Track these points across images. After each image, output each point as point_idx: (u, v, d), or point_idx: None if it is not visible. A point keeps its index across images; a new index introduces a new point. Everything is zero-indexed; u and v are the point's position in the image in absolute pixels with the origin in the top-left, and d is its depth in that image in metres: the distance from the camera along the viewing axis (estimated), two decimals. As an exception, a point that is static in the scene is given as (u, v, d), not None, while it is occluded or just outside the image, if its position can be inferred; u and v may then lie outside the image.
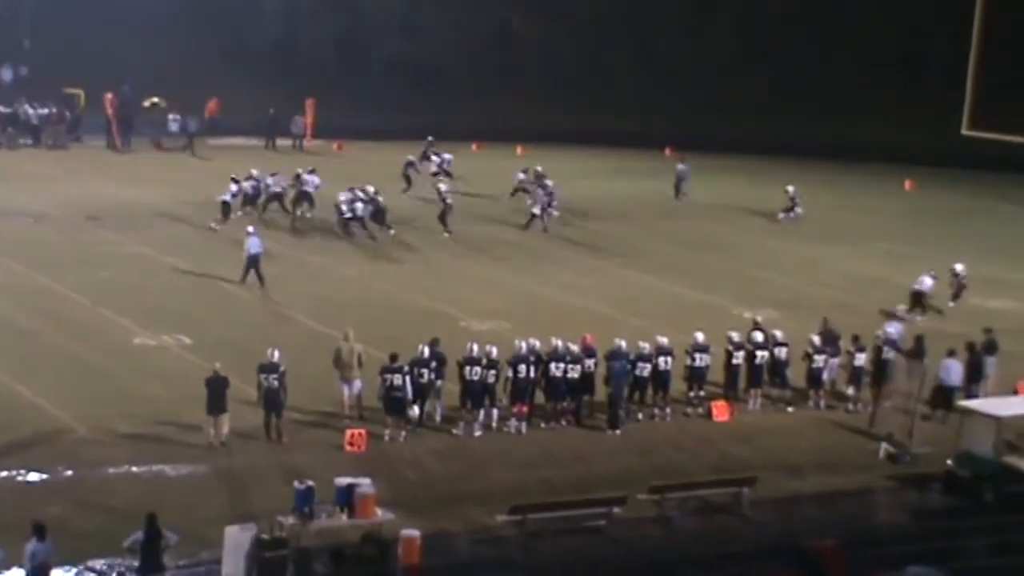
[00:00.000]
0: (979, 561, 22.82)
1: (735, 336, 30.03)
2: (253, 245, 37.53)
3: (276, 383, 26.06)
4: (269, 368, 26.18)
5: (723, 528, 24.15)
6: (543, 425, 28.07)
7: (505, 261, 42.93)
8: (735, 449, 27.69)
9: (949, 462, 26.14)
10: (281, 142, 63.33)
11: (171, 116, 63.06)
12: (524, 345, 28.03)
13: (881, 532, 24.49)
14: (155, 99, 64.82)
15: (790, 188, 51.90)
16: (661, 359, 28.80)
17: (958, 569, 20.82)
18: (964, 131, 59.49)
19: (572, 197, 51.79)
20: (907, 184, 61.31)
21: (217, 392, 25.70)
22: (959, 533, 24.70)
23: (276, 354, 26.40)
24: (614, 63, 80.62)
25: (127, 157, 57.55)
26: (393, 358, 26.91)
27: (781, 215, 51.17)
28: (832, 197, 58.02)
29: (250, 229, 38.40)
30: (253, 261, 37.43)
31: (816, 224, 50.36)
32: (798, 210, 50.68)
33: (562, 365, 27.90)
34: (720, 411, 29.21)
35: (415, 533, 21.15)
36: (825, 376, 30.43)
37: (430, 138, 57.90)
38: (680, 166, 56.37)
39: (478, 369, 27.28)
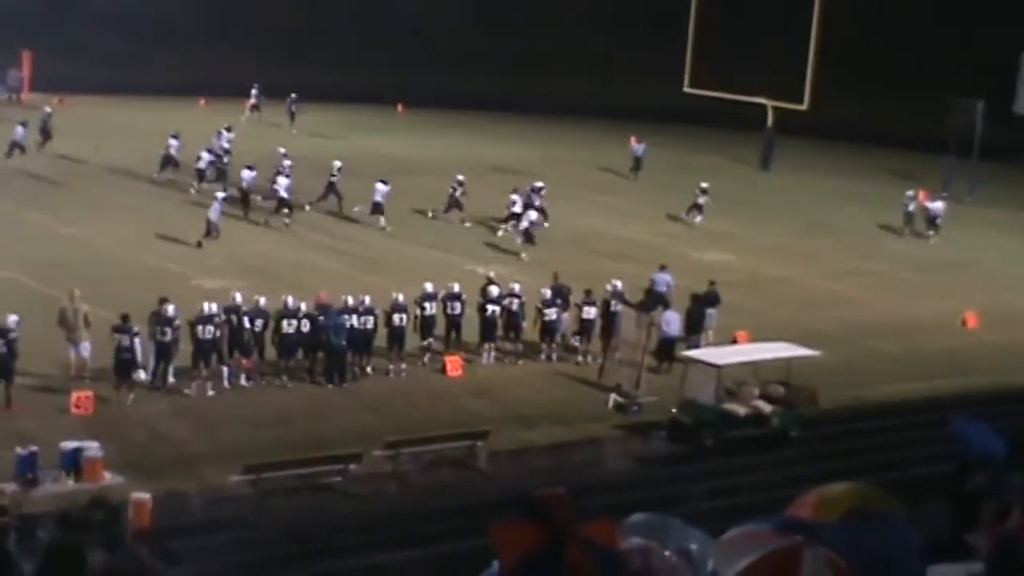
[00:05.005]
0: (699, 505, 23.69)
1: (456, 287, 30.43)
2: (214, 212, 38.76)
3: (5, 349, 25.13)
4: (-2, 332, 25.23)
5: (458, 481, 24.51)
6: (276, 383, 27.90)
7: (240, 219, 42.14)
8: (470, 403, 28.09)
9: (673, 410, 27.13)
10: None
11: None
12: (239, 296, 28.11)
13: (610, 479, 25.22)
14: None
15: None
16: (396, 316, 28.95)
17: (679, 513, 21.60)
18: (685, 88, 61.73)
19: (310, 155, 51.21)
20: (633, 140, 62.58)
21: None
22: (681, 479, 25.68)
23: (12, 319, 25.42)
24: (340, 22, 79.90)
25: None
26: (124, 318, 26.27)
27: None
28: (553, 153, 58.76)
29: (219, 195, 40.03)
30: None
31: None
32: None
33: (294, 322, 27.78)
34: (454, 366, 29.54)
35: (145, 496, 20.87)
36: (560, 329, 31.08)
37: (293, 95, 59.91)
38: (636, 145, 56.76)
39: (211, 328, 26.91)
